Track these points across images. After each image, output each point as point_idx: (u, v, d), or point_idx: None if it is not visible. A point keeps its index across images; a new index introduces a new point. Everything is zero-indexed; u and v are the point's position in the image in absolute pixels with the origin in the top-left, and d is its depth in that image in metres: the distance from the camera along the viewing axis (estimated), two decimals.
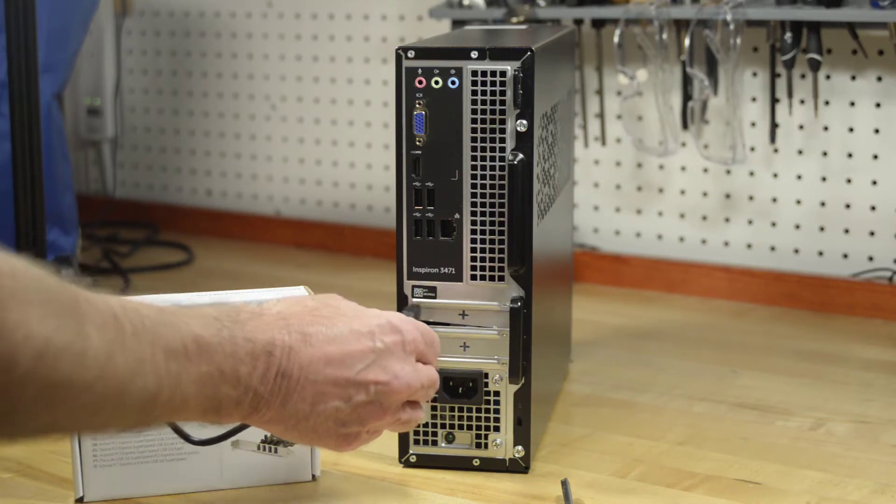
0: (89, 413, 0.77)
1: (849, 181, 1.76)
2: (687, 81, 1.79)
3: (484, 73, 1.09)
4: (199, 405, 0.83)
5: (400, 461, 1.17)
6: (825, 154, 1.77)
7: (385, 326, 0.93)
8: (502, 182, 1.10)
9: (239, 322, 0.87)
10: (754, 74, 1.80)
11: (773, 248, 1.83)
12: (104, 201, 2.36)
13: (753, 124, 1.81)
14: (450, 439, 1.15)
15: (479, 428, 1.15)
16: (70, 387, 0.74)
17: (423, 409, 0.99)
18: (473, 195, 1.11)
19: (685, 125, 1.81)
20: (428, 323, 1.13)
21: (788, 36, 1.67)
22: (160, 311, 0.82)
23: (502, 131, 1.10)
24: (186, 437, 1.00)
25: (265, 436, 1.11)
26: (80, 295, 0.76)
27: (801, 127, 1.78)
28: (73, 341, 0.74)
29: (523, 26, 1.51)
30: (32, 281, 0.73)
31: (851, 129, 1.75)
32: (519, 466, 1.15)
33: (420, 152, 1.11)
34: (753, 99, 1.80)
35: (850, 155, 1.76)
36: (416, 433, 1.16)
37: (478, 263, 1.12)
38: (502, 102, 1.09)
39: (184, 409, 0.83)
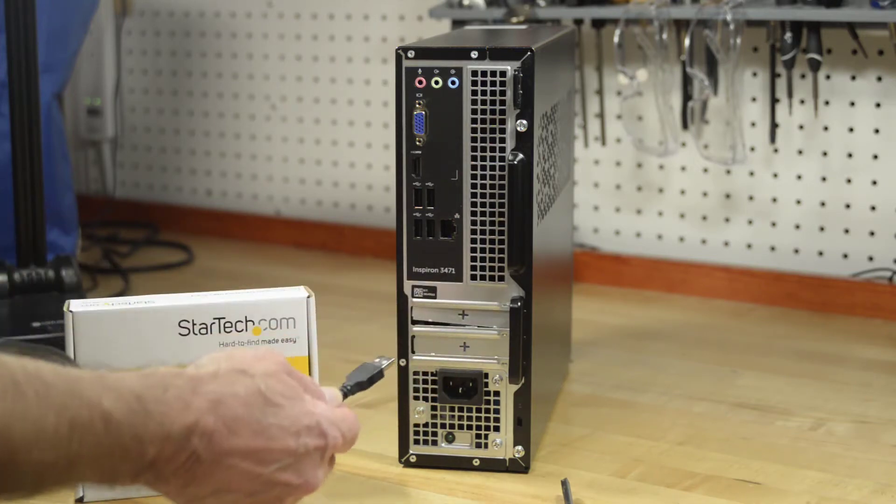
0: None
1: (849, 181, 1.76)
2: (687, 81, 1.79)
3: (484, 73, 1.09)
4: (96, 476, 0.82)
5: (400, 461, 1.16)
6: (825, 154, 1.77)
7: (313, 429, 0.91)
8: (502, 182, 1.10)
9: (162, 401, 0.83)
10: (754, 74, 1.80)
11: (773, 248, 1.83)
12: (104, 201, 2.36)
13: (753, 124, 1.81)
14: (450, 439, 1.15)
15: (479, 428, 1.15)
16: None
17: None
18: (473, 195, 1.11)
19: (685, 125, 1.81)
20: (427, 323, 1.13)
21: (788, 36, 1.67)
22: (71, 380, 0.79)
23: (502, 131, 1.10)
24: None
25: None
26: None
27: (801, 127, 1.78)
28: None
29: (523, 26, 1.51)
30: None
31: (851, 129, 1.75)
32: (519, 466, 1.15)
33: (420, 152, 1.11)
34: (753, 99, 1.80)
35: (850, 155, 1.75)
36: (416, 433, 1.16)
37: (478, 263, 1.12)
38: (502, 102, 1.09)
39: (79, 479, 0.81)
